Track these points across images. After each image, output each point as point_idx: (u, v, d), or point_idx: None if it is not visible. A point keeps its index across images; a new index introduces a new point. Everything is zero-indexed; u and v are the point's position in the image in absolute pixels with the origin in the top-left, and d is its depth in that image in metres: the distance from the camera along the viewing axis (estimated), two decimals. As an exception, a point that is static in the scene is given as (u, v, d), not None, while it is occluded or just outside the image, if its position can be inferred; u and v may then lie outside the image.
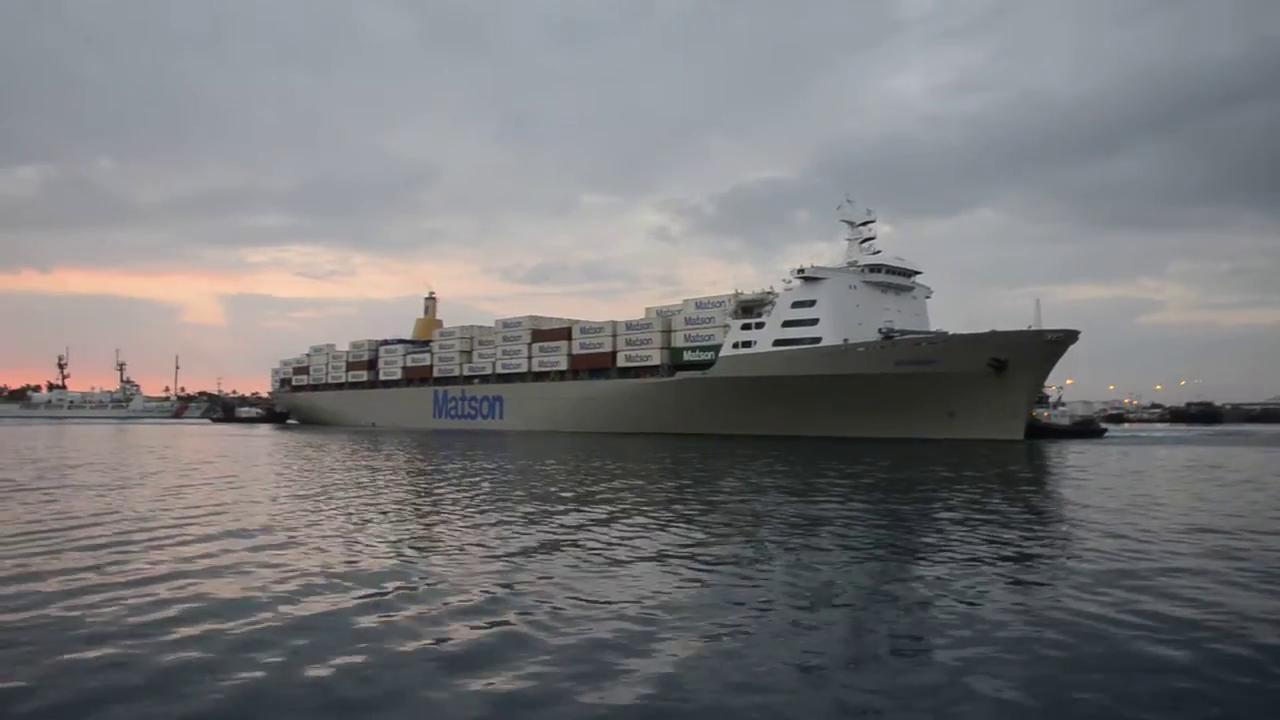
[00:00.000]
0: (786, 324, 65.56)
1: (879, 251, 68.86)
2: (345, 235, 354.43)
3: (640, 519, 15.90)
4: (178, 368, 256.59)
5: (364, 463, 33.36)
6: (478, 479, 24.82)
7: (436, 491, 21.75)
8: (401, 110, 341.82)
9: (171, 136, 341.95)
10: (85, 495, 20.46)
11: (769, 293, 70.02)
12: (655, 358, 75.83)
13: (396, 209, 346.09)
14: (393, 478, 25.94)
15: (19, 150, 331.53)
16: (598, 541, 13.57)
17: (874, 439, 56.28)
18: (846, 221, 70.66)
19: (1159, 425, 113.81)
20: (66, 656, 7.59)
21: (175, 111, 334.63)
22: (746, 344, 67.14)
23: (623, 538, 13.65)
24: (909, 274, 69.60)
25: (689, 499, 19.97)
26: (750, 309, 69.97)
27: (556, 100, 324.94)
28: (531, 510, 17.10)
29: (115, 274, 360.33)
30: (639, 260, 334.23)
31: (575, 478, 25.69)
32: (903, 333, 62.95)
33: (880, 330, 63.62)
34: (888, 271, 67.54)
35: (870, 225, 70.41)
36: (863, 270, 67.01)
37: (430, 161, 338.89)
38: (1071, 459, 37.14)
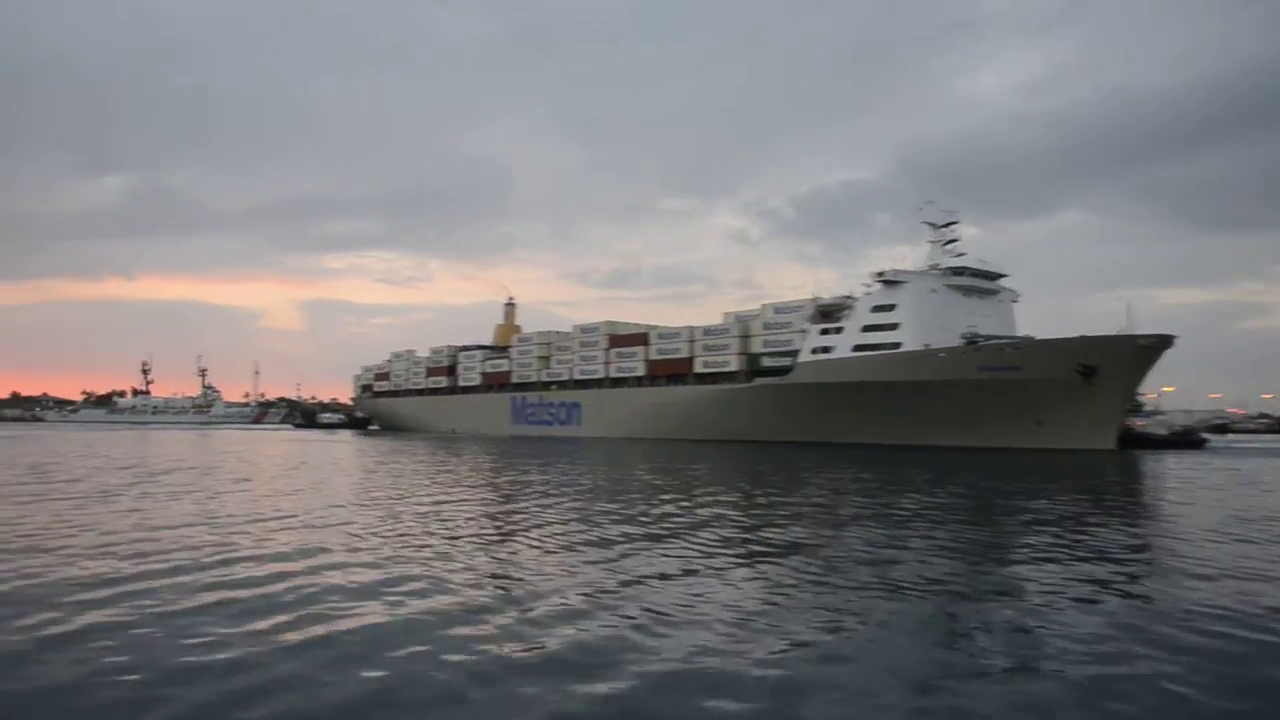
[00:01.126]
0: (866, 329, 64.59)
1: (963, 254, 67.26)
2: (422, 241, 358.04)
3: (742, 538, 15.58)
4: (257, 373, 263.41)
5: (450, 471, 34.12)
6: (565, 491, 24.72)
7: (527, 500, 21.91)
8: (474, 112, 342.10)
9: (248, 143, 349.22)
10: (182, 500, 21.35)
11: (848, 297, 69.12)
12: (733, 364, 75.37)
13: (472, 214, 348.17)
14: (481, 486, 26.23)
15: (105, 160, 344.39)
16: (697, 558, 13.45)
17: (957, 448, 54.97)
18: (928, 224, 69.35)
19: (1268, 436, 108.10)
20: (177, 661, 7.87)
21: (252, 117, 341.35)
22: (825, 349, 66.37)
23: (727, 561, 13.25)
24: (993, 277, 67.82)
25: (783, 511, 19.69)
26: (829, 314, 69.16)
27: (629, 100, 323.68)
28: (627, 528, 16.80)
29: (197, 280, 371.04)
30: (718, 264, 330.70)
31: (662, 489, 25.50)
32: (987, 338, 61.23)
33: (963, 335, 62.07)
34: (971, 274, 65.90)
35: (953, 227, 68.81)
36: (945, 273, 65.54)
37: (504, 164, 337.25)
38: (1172, 470, 35.52)
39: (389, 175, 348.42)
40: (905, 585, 11.38)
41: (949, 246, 68.01)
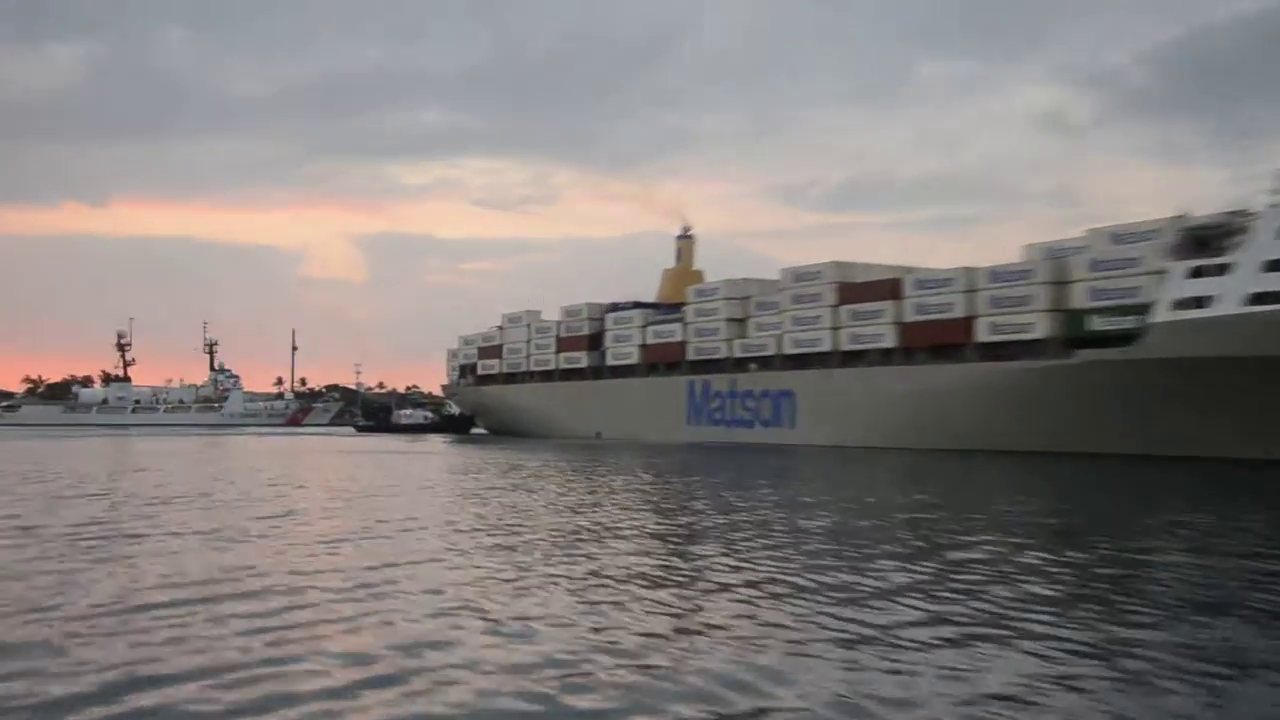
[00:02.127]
0: (1272, 266, 60.88)
1: None
2: (543, 141, 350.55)
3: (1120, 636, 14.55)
4: (295, 348, 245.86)
5: (608, 500, 34.29)
6: (799, 546, 24.05)
7: (742, 554, 21.51)
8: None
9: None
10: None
11: (1239, 213, 65.60)
12: (1039, 326, 73.81)
13: (621, 99, 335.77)
14: (663, 539, 25.87)
15: (54, 20, 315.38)
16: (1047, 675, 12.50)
17: None
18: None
19: None
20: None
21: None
22: (1199, 301, 63.46)
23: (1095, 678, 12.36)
24: None
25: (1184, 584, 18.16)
26: (1206, 242, 65.82)
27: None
28: (917, 625, 15.59)
29: (198, 208, 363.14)
30: (1015, 167, 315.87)
31: (953, 542, 24.47)
32: None
33: None
34: None
35: None
36: None
37: (670, 22, 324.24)
38: None
39: (494, 39, 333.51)
40: None
41: None
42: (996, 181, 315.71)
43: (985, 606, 16.05)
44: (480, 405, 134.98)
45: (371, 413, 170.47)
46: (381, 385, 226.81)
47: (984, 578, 18.73)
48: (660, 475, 48.32)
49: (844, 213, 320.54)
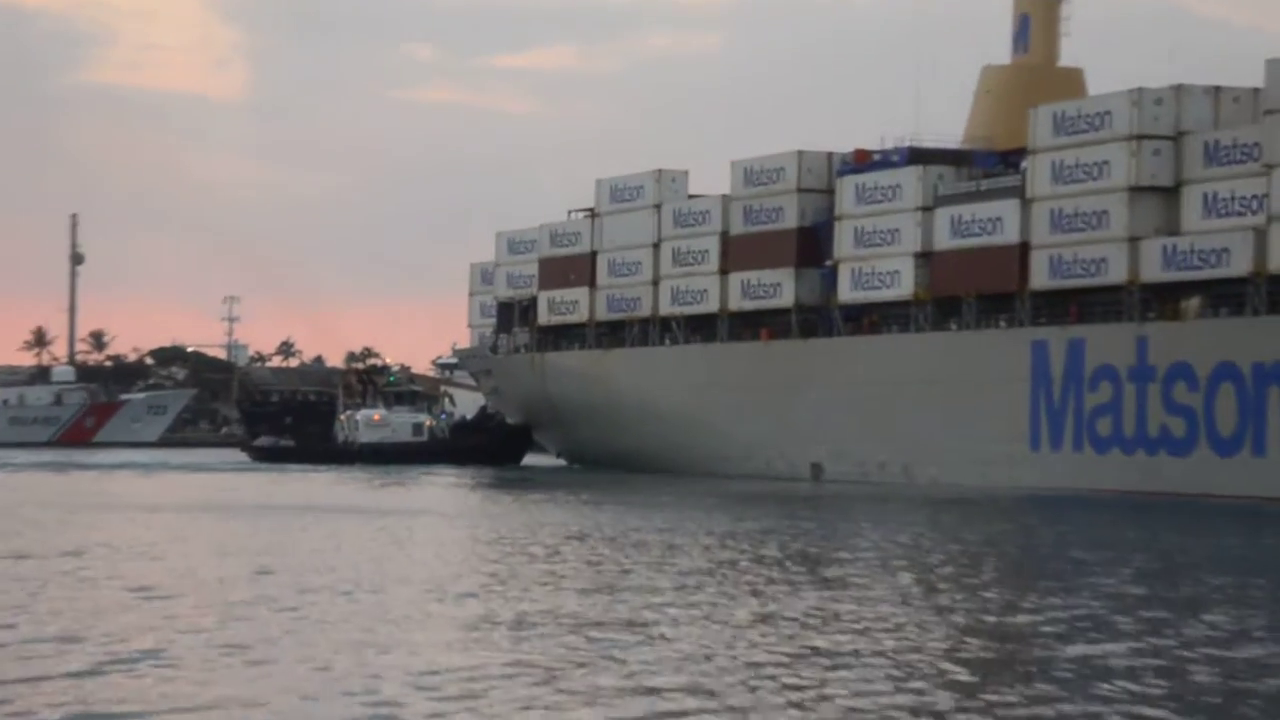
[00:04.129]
0: None
1: None
2: None
3: None
4: (78, 260, 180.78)
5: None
6: None
7: None
8: None
9: None
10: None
11: None
12: None
13: None
14: None
15: None
16: None
17: None
18: None
19: None
20: None
21: None
22: None
23: None
24: None
25: None
26: None
27: None
28: None
29: None
30: None
31: None
32: None
33: None
34: None
35: None
36: None
37: None
38: None
39: None
40: None
41: None
42: None
43: None
44: (541, 398, 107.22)
45: (263, 416, 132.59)
46: (291, 350, 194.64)
47: None
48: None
49: None
